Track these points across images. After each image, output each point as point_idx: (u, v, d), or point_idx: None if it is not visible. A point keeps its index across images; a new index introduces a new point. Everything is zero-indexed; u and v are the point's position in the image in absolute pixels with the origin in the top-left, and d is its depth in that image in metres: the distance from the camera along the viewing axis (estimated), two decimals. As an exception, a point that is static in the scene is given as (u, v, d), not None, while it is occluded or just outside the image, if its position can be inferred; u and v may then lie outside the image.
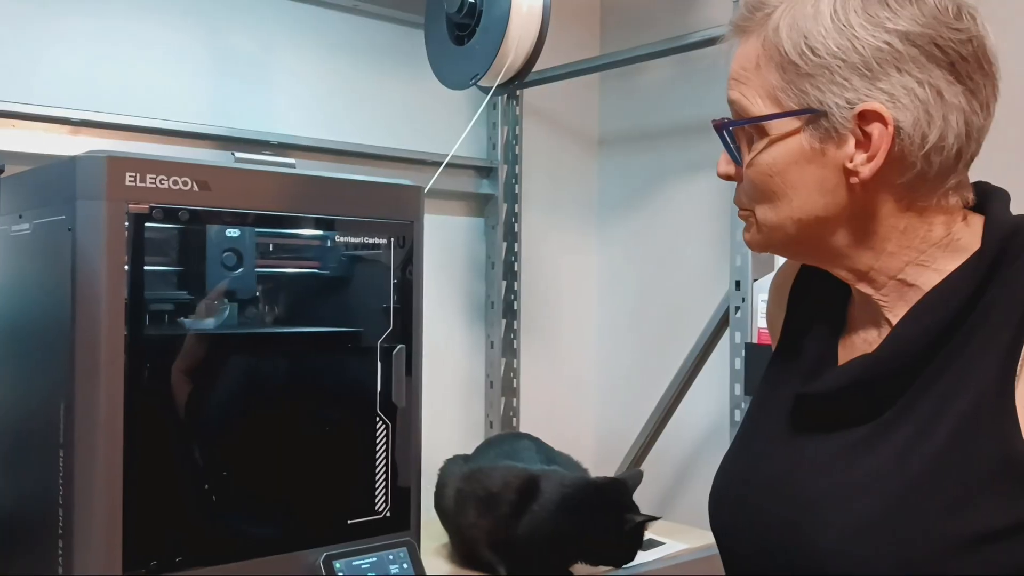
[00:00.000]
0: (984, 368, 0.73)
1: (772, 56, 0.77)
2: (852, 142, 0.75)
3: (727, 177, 0.83)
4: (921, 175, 0.75)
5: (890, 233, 0.78)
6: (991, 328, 0.74)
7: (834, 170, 0.76)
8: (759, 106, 0.78)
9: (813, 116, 0.75)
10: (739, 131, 0.81)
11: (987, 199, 0.80)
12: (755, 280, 1.54)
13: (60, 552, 1.00)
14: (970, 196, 0.80)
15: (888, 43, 0.73)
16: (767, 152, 0.78)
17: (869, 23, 0.73)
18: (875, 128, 0.73)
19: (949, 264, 0.77)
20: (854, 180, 0.75)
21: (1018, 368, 0.72)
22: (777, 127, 0.77)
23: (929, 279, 0.77)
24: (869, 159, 0.74)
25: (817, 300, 0.88)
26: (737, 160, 0.82)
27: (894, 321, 0.79)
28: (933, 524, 0.70)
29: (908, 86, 0.73)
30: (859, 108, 0.73)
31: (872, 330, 0.82)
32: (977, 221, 0.79)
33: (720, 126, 0.81)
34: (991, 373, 0.72)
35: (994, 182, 0.83)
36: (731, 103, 0.81)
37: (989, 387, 0.72)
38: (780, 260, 1.53)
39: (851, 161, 0.75)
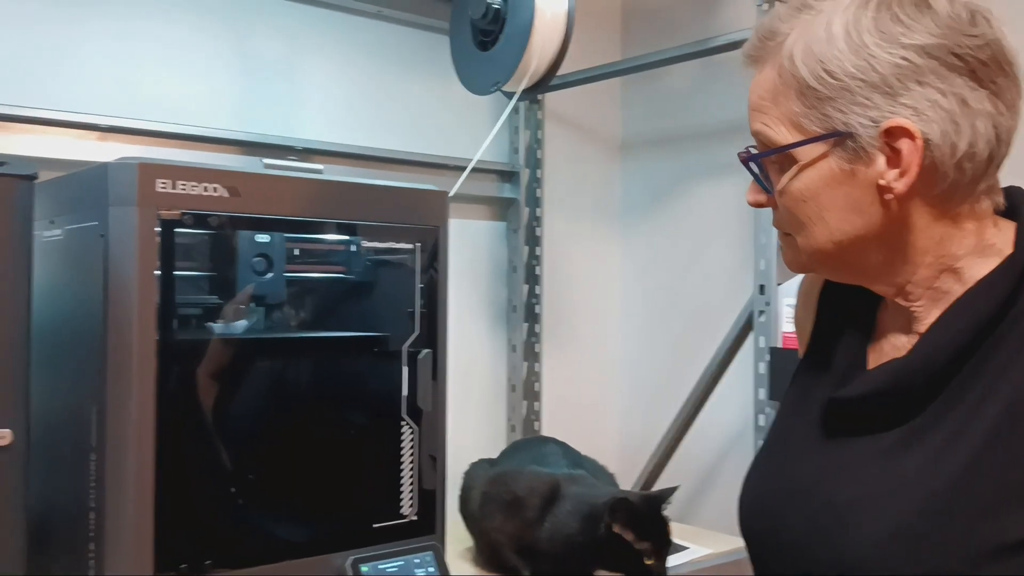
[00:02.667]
0: (1017, 373, 0.72)
1: (790, 83, 0.76)
2: (882, 159, 0.74)
3: (758, 205, 0.83)
4: (955, 184, 0.75)
5: (928, 245, 0.77)
6: (1023, 333, 0.74)
7: (867, 189, 0.76)
8: (783, 134, 0.78)
9: (839, 139, 0.75)
10: (767, 160, 0.81)
11: (1019, 204, 0.80)
12: (779, 284, 1.54)
13: (91, 555, 1.01)
14: (1001, 200, 0.79)
15: (906, 58, 0.72)
16: (798, 179, 0.78)
17: (884, 40, 0.73)
18: (904, 144, 0.73)
19: (982, 269, 0.77)
20: (888, 196, 0.75)
21: None
22: (804, 153, 0.77)
23: (963, 285, 0.77)
24: (901, 175, 0.74)
25: (847, 305, 0.88)
26: (767, 189, 0.81)
27: (925, 327, 0.79)
28: (968, 529, 0.70)
29: (931, 98, 0.73)
30: (884, 125, 0.73)
31: (903, 336, 0.82)
32: (1009, 227, 0.79)
33: (747, 159, 0.81)
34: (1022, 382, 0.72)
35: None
36: (755, 134, 0.81)
37: (1022, 393, 0.72)
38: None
39: (883, 179, 0.74)
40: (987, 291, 0.76)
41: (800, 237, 0.80)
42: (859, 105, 0.74)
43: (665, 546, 1.25)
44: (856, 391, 0.80)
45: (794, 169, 0.78)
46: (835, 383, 0.83)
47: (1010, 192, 0.81)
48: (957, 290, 0.77)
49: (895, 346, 0.82)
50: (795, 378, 0.94)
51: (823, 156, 0.76)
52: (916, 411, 0.77)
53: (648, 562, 1.22)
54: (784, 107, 0.77)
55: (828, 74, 0.74)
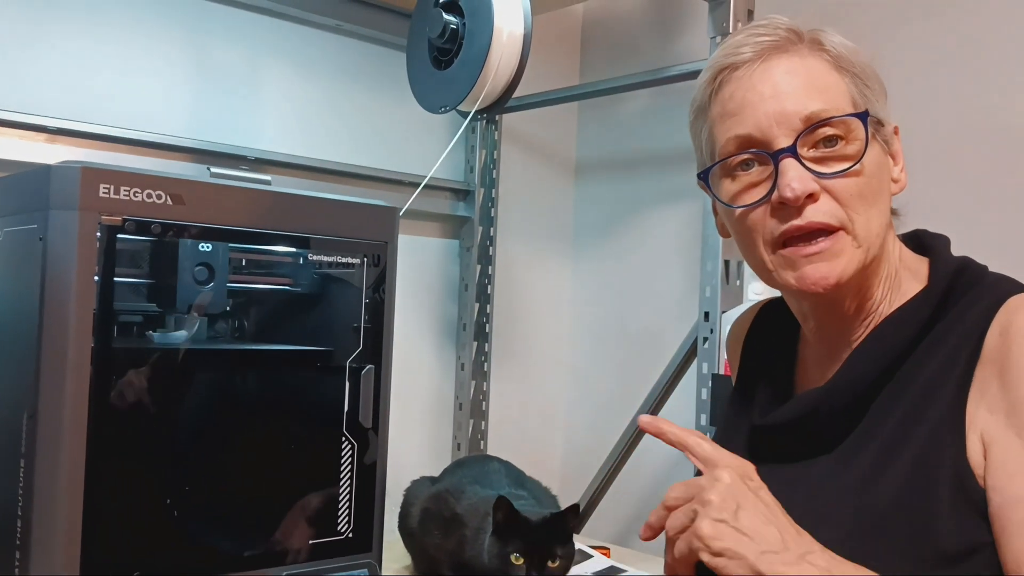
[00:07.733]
0: (940, 399, 0.75)
1: (843, 65, 0.80)
2: (889, 155, 0.81)
3: (807, 196, 0.76)
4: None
5: (890, 254, 0.82)
6: (944, 361, 0.76)
7: (888, 179, 0.81)
8: (849, 110, 0.78)
9: (878, 124, 0.80)
10: (820, 143, 0.78)
11: (930, 243, 0.84)
12: (724, 312, 1.56)
13: (17, 563, 0.99)
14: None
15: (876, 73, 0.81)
16: (872, 148, 0.78)
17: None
18: (897, 140, 0.81)
19: (910, 289, 0.81)
20: (895, 190, 0.81)
21: (968, 395, 0.74)
22: (867, 127, 0.78)
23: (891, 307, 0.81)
24: (901, 170, 0.81)
25: (771, 342, 0.91)
26: (821, 174, 0.77)
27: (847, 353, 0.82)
28: (897, 550, 0.71)
29: (886, 110, 0.80)
30: (893, 124, 0.81)
31: (827, 364, 0.84)
32: (921, 262, 0.83)
33: (863, 116, 0.78)
34: (945, 403, 0.74)
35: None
36: (816, 112, 0.77)
37: (944, 416, 0.74)
38: (748, 293, 1.55)
39: (894, 170, 0.81)
40: (904, 319, 0.79)
41: (863, 221, 0.77)
42: (880, 101, 0.80)
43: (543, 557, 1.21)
44: (779, 418, 0.82)
45: (868, 138, 0.77)
46: (761, 413, 0.85)
47: (919, 233, 0.85)
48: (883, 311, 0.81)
49: (816, 376, 0.85)
50: (725, 413, 0.96)
51: (874, 135, 0.79)
52: (841, 436, 0.79)
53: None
54: (843, 86, 0.79)
55: (862, 65, 0.80)
